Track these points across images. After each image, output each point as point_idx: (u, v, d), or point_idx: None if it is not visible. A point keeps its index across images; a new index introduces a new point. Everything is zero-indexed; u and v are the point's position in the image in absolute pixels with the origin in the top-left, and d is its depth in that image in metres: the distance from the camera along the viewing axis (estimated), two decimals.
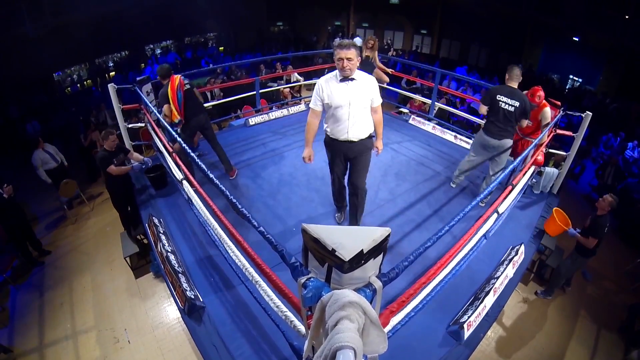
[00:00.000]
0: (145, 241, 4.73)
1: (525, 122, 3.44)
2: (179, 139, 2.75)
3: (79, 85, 11.78)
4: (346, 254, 0.84)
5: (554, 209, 3.58)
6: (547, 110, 3.62)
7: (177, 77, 3.71)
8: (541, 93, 3.60)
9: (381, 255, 0.98)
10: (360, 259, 0.88)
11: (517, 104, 3.32)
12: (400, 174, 4.40)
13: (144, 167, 4.16)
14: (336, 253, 0.85)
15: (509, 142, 3.53)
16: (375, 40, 5.32)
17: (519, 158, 2.53)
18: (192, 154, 2.29)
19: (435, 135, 5.58)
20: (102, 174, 4.23)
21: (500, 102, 3.39)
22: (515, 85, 3.39)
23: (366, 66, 5.41)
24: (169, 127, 2.99)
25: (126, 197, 4.30)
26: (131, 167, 4.09)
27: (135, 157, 4.27)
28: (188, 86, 3.80)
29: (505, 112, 3.39)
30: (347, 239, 0.88)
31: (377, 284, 0.96)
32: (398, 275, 1.16)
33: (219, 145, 4.17)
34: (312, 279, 0.96)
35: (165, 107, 3.75)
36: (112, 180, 4.07)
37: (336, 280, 0.94)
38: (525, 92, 3.51)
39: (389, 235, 0.95)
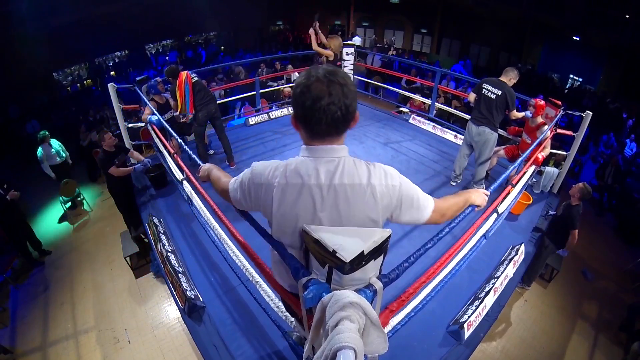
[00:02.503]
0: (146, 240, 4.73)
1: (514, 114, 3.61)
2: (174, 135, 2.76)
3: (78, 84, 11.77)
4: (347, 255, 0.84)
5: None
6: (544, 128, 3.73)
7: (184, 73, 3.88)
8: (540, 102, 3.71)
9: (382, 257, 0.98)
10: (361, 260, 0.88)
11: (499, 92, 3.51)
12: (401, 173, 4.39)
13: (144, 167, 4.15)
14: (337, 254, 0.85)
15: (489, 132, 3.64)
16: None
17: (520, 158, 2.53)
18: (186, 147, 2.31)
19: (436, 135, 5.58)
20: (104, 176, 4.23)
21: (484, 90, 3.60)
22: (505, 80, 3.55)
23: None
24: (165, 124, 3.03)
25: (128, 197, 4.30)
26: (133, 168, 4.06)
27: (135, 156, 4.28)
28: (196, 78, 3.97)
29: (485, 99, 3.59)
30: (347, 240, 0.89)
31: (378, 285, 0.96)
32: (399, 276, 1.17)
33: (225, 136, 4.36)
34: (313, 279, 0.96)
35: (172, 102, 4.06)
36: (114, 182, 4.06)
37: (337, 281, 0.94)
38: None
39: (389, 237, 0.95)
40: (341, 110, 0.93)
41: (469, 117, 3.87)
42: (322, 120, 0.94)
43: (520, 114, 3.75)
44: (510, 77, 3.56)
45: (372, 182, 1.01)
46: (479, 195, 1.47)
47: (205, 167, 1.54)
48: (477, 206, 1.50)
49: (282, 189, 1.02)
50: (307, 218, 1.02)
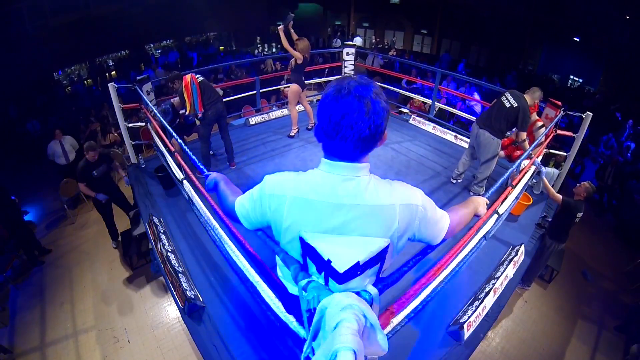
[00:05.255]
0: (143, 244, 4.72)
1: (522, 135, 3.49)
2: (175, 135, 2.76)
3: (81, 85, 11.75)
4: (341, 265, 0.83)
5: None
6: (539, 124, 3.71)
7: (189, 75, 3.89)
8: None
9: (378, 265, 0.98)
10: (356, 270, 0.86)
11: (515, 104, 3.40)
12: (401, 174, 4.40)
13: (105, 198, 4.34)
14: (331, 264, 0.84)
15: (489, 137, 3.56)
16: (282, 39, 4.46)
17: (520, 159, 2.53)
18: (189, 152, 2.30)
19: (436, 135, 5.58)
20: None
21: (504, 97, 3.52)
22: (528, 97, 3.49)
23: (291, 74, 4.84)
24: (167, 126, 3.02)
25: (105, 207, 4.53)
26: (95, 195, 4.25)
27: (116, 167, 4.49)
28: (201, 78, 3.98)
29: (500, 105, 3.52)
30: (343, 250, 0.87)
31: (373, 291, 0.95)
32: (398, 280, 1.17)
33: (228, 136, 4.34)
34: (312, 282, 0.96)
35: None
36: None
37: (332, 287, 0.94)
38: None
39: (387, 247, 0.93)
40: (370, 129, 0.87)
41: (475, 118, 3.85)
42: (347, 137, 0.88)
43: (522, 136, 3.58)
44: (534, 98, 3.52)
45: (392, 203, 0.95)
46: (484, 207, 1.45)
47: (212, 176, 1.48)
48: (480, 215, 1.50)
49: (295, 203, 0.96)
50: None
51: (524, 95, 3.48)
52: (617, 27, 9.46)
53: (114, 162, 4.44)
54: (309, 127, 5.39)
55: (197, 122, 4.29)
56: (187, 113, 4.13)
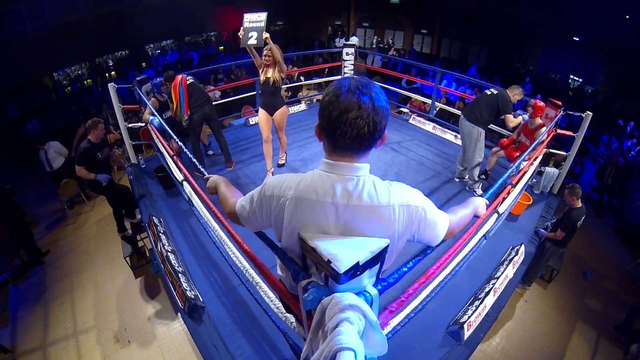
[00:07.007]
0: (141, 244, 4.72)
1: (509, 119, 3.69)
2: (174, 136, 2.77)
3: (78, 84, 11.76)
4: (341, 265, 0.83)
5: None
6: (542, 130, 3.75)
7: (180, 76, 3.91)
8: (539, 104, 3.73)
9: (378, 265, 0.98)
10: (356, 270, 0.86)
11: (495, 92, 3.66)
12: (401, 174, 4.40)
13: (107, 179, 3.97)
14: (331, 264, 0.84)
15: (468, 125, 3.76)
16: (276, 50, 3.57)
17: (518, 160, 2.53)
18: (185, 149, 2.31)
19: (435, 135, 5.58)
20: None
21: (487, 90, 3.78)
22: (509, 91, 3.68)
23: (270, 96, 3.82)
24: (165, 126, 3.03)
25: (112, 188, 4.19)
26: (94, 176, 3.87)
27: (114, 156, 4.33)
28: (191, 80, 3.99)
29: (482, 96, 3.77)
30: (343, 250, 0.87)
31: (373, 291, 0.96)
32: (397, 281, 1.17)
33: (222, 137, 4.36)
34: (312, 282, 0.96)
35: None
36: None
37: (332, 287, 0.94)
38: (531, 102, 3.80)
39: (387, 247, 0.93)
40: (368, 126, 0.87)
41: None
42: (347, 133, 0.88)
43: (518, 119, 3.74)
44: (514, 93, 3.65)
45: (391, 204, 0.95)
46: (484, 207, 1.47)
47: (212, 178, 1.50)
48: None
49: (295, 203, 0.97)
50: None
51: (506, 89, 3.71)
52: (617, 27, 9.46)
53: (113, 148, 4.17)
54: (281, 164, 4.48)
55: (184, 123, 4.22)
56: (172, 115, 4.16)
